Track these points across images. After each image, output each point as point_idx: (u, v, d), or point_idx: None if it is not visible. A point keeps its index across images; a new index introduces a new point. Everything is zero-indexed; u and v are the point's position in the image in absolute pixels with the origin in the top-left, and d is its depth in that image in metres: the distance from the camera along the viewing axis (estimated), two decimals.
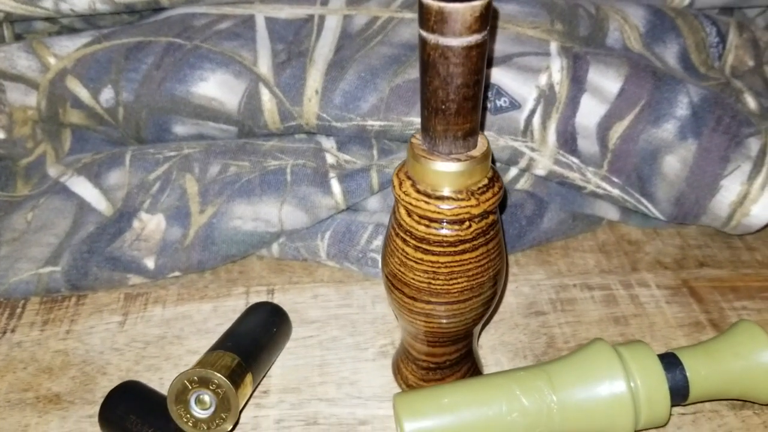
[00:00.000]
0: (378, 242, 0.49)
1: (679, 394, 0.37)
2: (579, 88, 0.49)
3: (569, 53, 0.50)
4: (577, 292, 0.49)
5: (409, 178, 0.33)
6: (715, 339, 0.39)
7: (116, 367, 0.44)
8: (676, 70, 0.53)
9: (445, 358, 0.39)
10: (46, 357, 0.45)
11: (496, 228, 0.34)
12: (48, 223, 0.50)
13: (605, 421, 0.35)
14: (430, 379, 0.40)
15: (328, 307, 0.48)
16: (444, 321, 0.35)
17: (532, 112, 0.48)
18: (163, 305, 0.48)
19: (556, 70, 0.49)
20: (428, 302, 0.34)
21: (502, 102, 0.48)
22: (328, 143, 0.52)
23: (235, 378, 0.36)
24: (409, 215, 0.33)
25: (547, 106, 0.48)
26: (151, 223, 0.49)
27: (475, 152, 0.32)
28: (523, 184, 0.52)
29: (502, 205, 0.49)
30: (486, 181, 0.32)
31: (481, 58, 0.29)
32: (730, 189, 0.48)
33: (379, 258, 0.49)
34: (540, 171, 0.50)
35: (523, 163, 0.50)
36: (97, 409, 0.40)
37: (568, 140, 0.49)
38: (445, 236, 0.32)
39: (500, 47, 0.51)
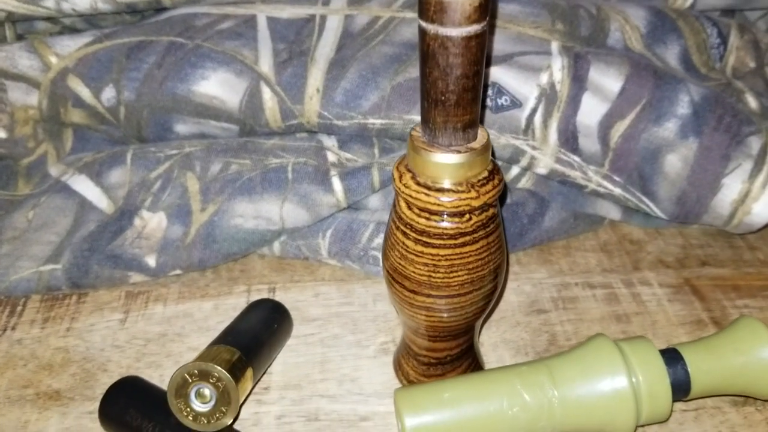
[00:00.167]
0: (379, 240, 0.49)
1: (681, 389, 0.37)
2: (580, 86, 0.49)
3: (570, 52, 0.50)
4: (578, 290, 0.49)
5: (409, 170, 0.33)
6: (716, 335, 0.39)
7: (117, 364, 0.44)
8: (677, 70, 0.53)
9: (446, 353, 0.39)
10: (47, 354, 0.45)
11: (497, 221, 0.34)
12: (49, 221, 0.50)
13: (607, 416, 0.35)
14: (431, 375, 0.40)
15: (330, 305, 0.48)
16: (445, 315, 0.35)
17: (534, 111, 0.48)
18: (164, 303, 0.48)
19: (557, 69, 0.49)
20: (429, 296, 0.34)
21: (503, 101, 0.49)
22: (329, 142, 0.52)
23: (236, 372, 0.36)
24: (410, 208, 0.33)
25: (549, 104, 0.48)
26: (153, 221, 0.49)
27: (475, 144, 0.32)
28: (524, 183, 0.52)
29: (502, 199, 0.49)
30: (486, 173, 0.32)
31: (481, 49, 0.29)
32: (731, 187, 0.48)
33: (380, 256, 0.49)
34: (541, 170, 0.50)
35: (524, 162, 0.50)
36: (97, 405, 0.40)
37: (569, 139, 0.49)
38: (446, 229, 0.32)
39: (501, 46, 0.51)
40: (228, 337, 0.40)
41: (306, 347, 0.45)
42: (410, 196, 0.32)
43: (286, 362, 0.44)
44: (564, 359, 0.37)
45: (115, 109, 0.53)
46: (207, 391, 0.36)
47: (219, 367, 0.35)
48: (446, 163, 0.31)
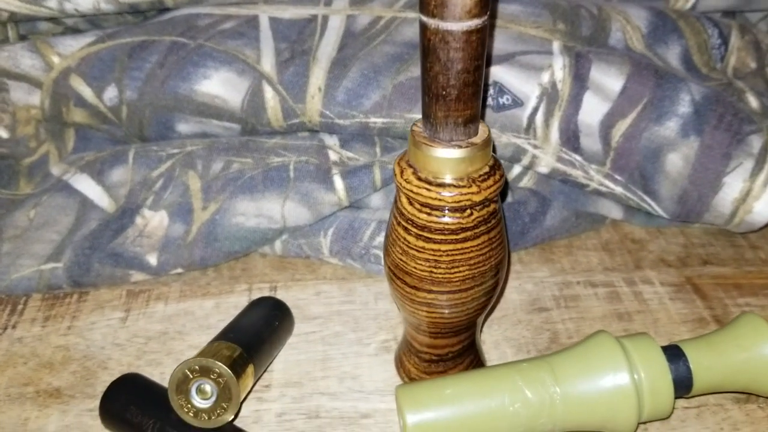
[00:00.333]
0: (381, 239, 0.49)
1: (683, 385, 0.36)
2: (581, 86, 0.49)
3: (571, 52, 0.50)
4: (580, 289, 0.49)
5: (410, 166, 0.33)
6: (718, 331, 0.39)
7: (117, 362, 0.44)
8: (678, 70, 0.53)
9: (447, 350, 0.39)
10: (47, 352, 0.44)
11: (498, 217, 0.34)
12: (50, 220, 0.51)
13: (608, 413, 0.35)
14: (432, 372, 0.40)
15: (331, 303, 0.48)
16: (446, 311, 0.35)
17: (535, 110, 0.48)
18: (165, 302, 0.48)
19: (559, 68, 0.49)
20: (430, 291, 0.34)
21: (504, 100, 0.49)
22: (331, 140, 0.52)
23: (237, 368, 0.36)
24: (411, 203, 0.33)
25: (550, 103, 0.48)
26: (154, 220, 0.49)
27: (476, 139, 0.32)
28: (526, 182, 0.52)
29: (503, 196, 0.49)
30: (487, 168, 0.32)
31: (481, 44, 0.29)
32: (732, 186, 0.48)
33: (381, 255, 0.49)
34: (543, 168, 0.50)
35: (525, 161, 0.50)
36: (97, 402, 0.40)
37: (570, 138, 0.49)
38: (447, 224, 0.32)
39: (502, 46, 0.51)
40: (229, 333, 0.40)
41: (307, 345, 0.45)
42: (411, 191, 0.32)
43: (287, 360, 0.44)
44: (565, 356, 0.37)
45: (117, 108, 0.53)
46: (208, 387, 0.35)
47: (220, 363, 0.35)
48: (447, 158, 0.31)
